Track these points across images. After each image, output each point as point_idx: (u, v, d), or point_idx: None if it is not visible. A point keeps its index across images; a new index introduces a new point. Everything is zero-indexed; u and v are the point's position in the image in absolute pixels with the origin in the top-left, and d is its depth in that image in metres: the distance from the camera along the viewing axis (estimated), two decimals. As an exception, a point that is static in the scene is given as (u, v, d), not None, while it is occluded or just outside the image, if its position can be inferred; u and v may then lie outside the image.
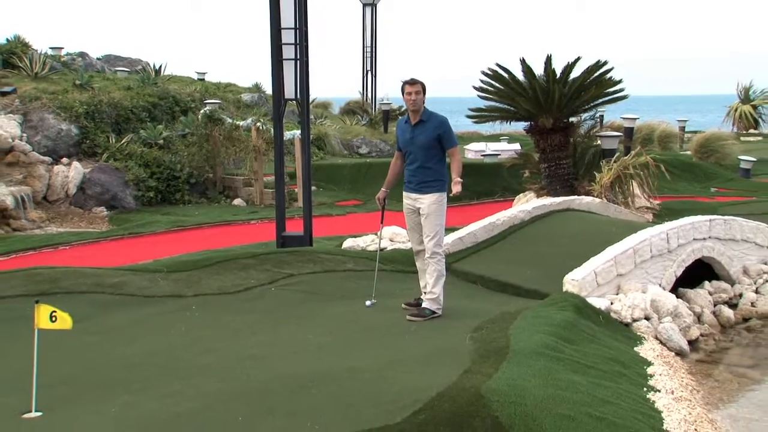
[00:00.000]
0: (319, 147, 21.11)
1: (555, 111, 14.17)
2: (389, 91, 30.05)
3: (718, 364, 7.55)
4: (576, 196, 12.34)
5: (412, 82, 7.19)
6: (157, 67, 24.16)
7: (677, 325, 7.87)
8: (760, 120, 34.05)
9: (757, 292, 9.30)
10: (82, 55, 24.56)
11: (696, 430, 5.49)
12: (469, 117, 15.89)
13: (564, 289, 7.91)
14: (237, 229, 13.65)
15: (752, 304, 9.11)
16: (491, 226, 10.15)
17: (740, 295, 9.19)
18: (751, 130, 32.91)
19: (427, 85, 7.28)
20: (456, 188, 7.11)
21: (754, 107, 34.12)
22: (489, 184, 17.72)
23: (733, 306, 9.04)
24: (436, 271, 7.25)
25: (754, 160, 20.64)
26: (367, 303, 7.69)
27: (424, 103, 7.27)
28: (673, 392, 6.06)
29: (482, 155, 20.92)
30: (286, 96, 10.34)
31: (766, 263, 9.65)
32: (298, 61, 10.15)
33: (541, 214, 10.83)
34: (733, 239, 9.48)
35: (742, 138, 28.68)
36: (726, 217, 9.60)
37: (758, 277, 9.46)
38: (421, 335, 6.71)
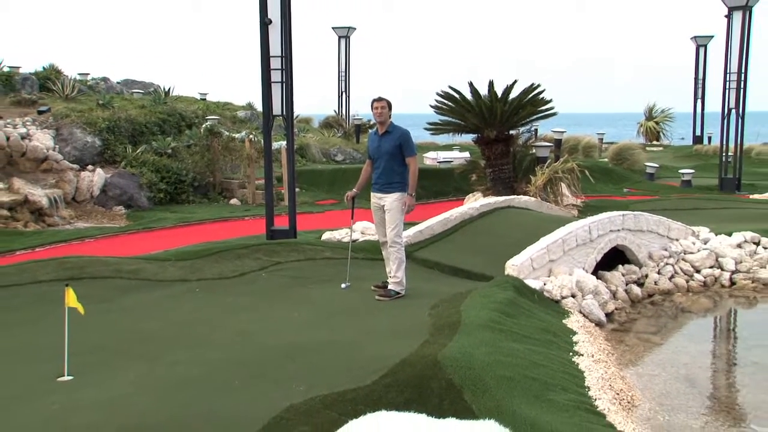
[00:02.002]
0: (302, 155, 21.01)
1: (497, 125, 14.23)
2: (360, 109, 30.08)
3: (629, 332, 7.65)
4: (515, 196, 12.41)
5: (379, 99, 7.22)
6: (166, 89, 23.94)
7: (597, 301, 7.95)
8: (661, 133, 34.57)
9: (659, 273, 9.41)
10: (105, 79, 24.28)
11: (611, 385, 5.56)
12: (426, 129, 15.94)
13: (506, 273, 7.95)
14: (233, 224, 13.56)
15: (655, 283, 9.23)
16: (446, 221, 10.18)
17: (646, 276, 9.30)
18: (655, 142, 33.36)
19: (392, 102, 7.31)
20: (409, 202, 7.16)
21: (657, 123, 34.64)
22: (443, 185, 17.77)
23: (640, 284, 9.15)
24: (397, 258, 7.26)
25: (657, 166, 20.93)
26: (343, 285, 7.68)
27: (390, 117, 7.28)
28: (593, 356, 6.12)
29: (438, 162, 20.98)
30: (274, 113, 10.29)
31: (666, 249, 9.76)
32: (284, 84, 10.12)
33: (487, 211, 10.87)
34: (641, 230, 9.59)
35: (647, 148, 29.04)
36: (635, 213, 9.70)
37: (660, 261, 9.58)
38: (387, 312, 6.73)
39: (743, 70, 18.13)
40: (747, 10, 17.81)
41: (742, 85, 18.20)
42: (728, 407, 5.71)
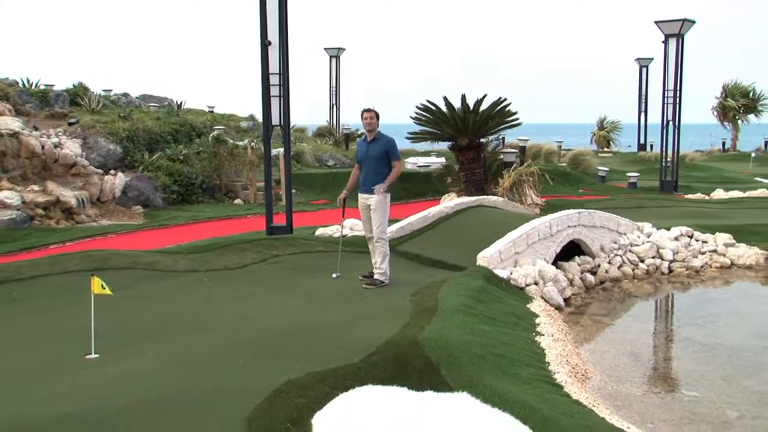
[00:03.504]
0: (298, 160, 20.89)
1: (469, 134, 14.25)
2: (349, 120, 29.96)
3: (584, 314, 7.70)
4: (486, 196, 12.44)
5: (368, 110, 7.17)
6: (178, 103, 23.77)
7: (556, 288, 8.00)
8: (611, 142, 34.84)
9: (609, 263, 9.49)
10: (125, 94, 24.12)
11: (567, 361, 5.60)
12: (407, 138, 15.94)
13: (477, 264, 7.96)
14: (237, 221, 13.47)
15: (606, 272, 9.30)
16: (424, 218, 10.19)
17: (598, 266, 9.37)
18: (605, 149, 33.59)
19: (380, 112, 7.27)
20: (383, 186, 7.09)
21: (607, 132, 34.91)
22: (422, 187, 17.75)
23: (593, 273, 9.21)
24: (382, 252, 7.25)
25: (608, 169, 21.06)
26: (334, 275, 7.66)
27: (378, 126, 7.24)
28: (552, 335, 6.16)
29: (417, 166, 20.94)
30: (273, 123, 10.24)
31: (615, 242, 9.84)
32: (282, 98, 10.08)
33: (461, 209, 10.89)
34: (594, 226, 9.66)
35: (599, 154, 29.21)
36: (589, 211, 9.77)
37: (610, 252, 9.66)
38: (373, 299, 6.72)
39: (678, 88, 18.41)
40: (680, 37, 18.18)
41: (677, 101, 18.47)
42: (665, 376, 5.81)
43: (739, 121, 34.20)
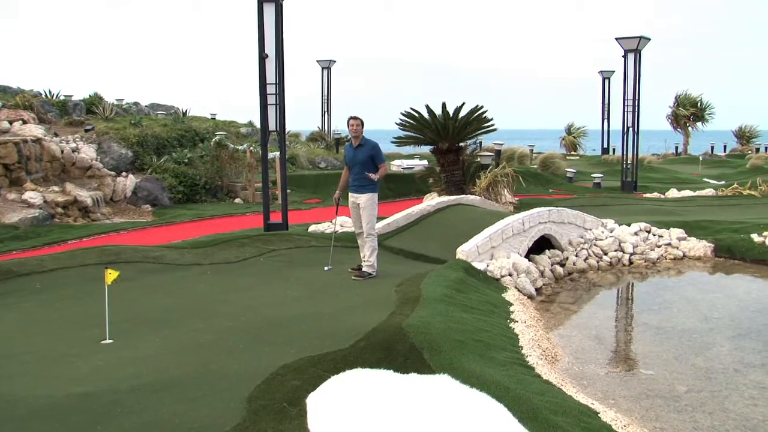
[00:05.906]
0: (292, 163, 20.79)
1: (450, 138, 14.25)
2: (339, 126, 29.84)
3: (553, 302, 7.72)
4: (464, 195, 12.44)
5: (354, 117, 7.14)
6: (184, 111, 23.62)
7: (529, 279, 8.01)
8: (578, 146, 35.05)
9: (576, 255, 9.52)
10: (136, 103, 23.91)
11: (539, 345, 5.61)
12: (393, 142, 15.94)
13: (457, 257, 7.97)
14: (237, 219, 13.40)
15: (573, 264, 9.33)
16: (409, 216, 10.18)
17: (567, 258, 9.39)
18: (573, 152, 33.78)
19: (365, 119, 7.25)
20: (372, 176, 7.08)
21: (575, 137, 35.11)
22: (406, 187, 17.76)
23: (562, 265, 9.23)
24: (371, 246, 7.23)
25: (575, 171, 21.14)
26: (326, 268, 7.64)
27: (363, 132, 7.21)
28: (525, 322, 6.17)
29: (402, 168, 20.92)
30: (270, 129, 10.20)
31: (582, 237, 9.87)
32: (278, 106, 10.04)
33: (442, 207, 10.89)
34: (563, 222, 9.69)
35: (567, 157, 29.33)
36: (559, 208, 9.79)
37: (577, 246, 9.69)
38: (362, 289, 6.71)
39: (636, 98, 18.57)
40: (637, 52, 18.38)
41: (636, 109, 18.63)
42: (625, 357, 5.85)
43: (690, 128, 34.65)
